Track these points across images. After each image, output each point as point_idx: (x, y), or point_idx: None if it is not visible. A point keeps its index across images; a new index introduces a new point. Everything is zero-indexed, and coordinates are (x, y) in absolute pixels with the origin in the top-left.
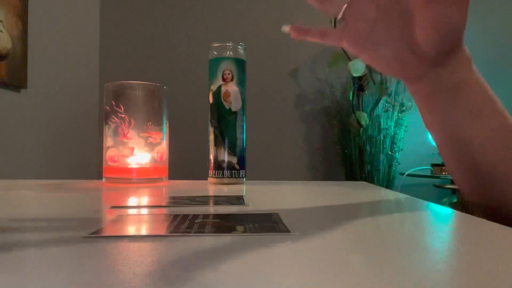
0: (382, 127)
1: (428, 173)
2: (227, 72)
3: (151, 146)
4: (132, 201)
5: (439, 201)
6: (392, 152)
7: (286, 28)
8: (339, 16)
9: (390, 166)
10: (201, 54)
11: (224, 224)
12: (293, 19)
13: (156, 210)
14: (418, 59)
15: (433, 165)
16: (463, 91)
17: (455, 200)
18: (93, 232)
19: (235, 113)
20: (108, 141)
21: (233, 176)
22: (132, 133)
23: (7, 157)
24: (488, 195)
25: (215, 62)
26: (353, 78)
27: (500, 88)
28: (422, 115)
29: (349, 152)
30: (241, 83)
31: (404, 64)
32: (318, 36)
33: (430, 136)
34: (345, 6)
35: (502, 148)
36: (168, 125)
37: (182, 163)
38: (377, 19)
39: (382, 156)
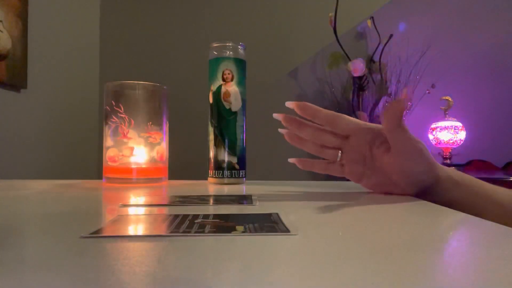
0: None
1: None
2: (227, 72)
3: (151, 146)
4: (132, 201)
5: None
6: None
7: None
8: (337, 159)
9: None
10: (201, 54)
11: (224, 224)
12: (293, 19)
13: (156, 210)
14: (402, 190)
15: None
16: (456, 206)
17: None
18: (93, 232)
19: (235, 113)
20: (108, 141)
21: (233, 176)
22: (132, 133)
23: (7, 157)
24: None
25: (215, 62)
26: (353, 78)
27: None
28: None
29: None
30: (241, 83)
31: (395, 190)
32: (322, 170)
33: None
34: (340, 153)
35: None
36: (168, 125)
37: (182, 163)
38: (366, 163)
39: None
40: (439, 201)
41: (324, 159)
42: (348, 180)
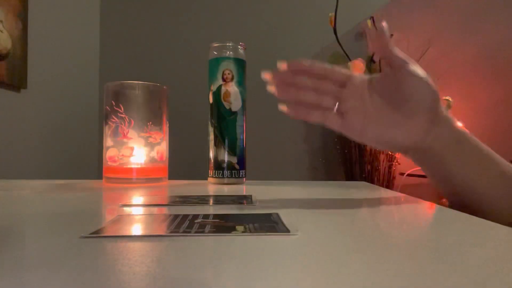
0: None
1: None
2: (227, 72)
3: (151, 146)
4: (132, 201)
5: (439, 201)
6: (392, 152)
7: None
8: (334, 110)
9: (390, 166)
10: (201, 54)
11: (224, 224)
12: (293, 19)
13: (156, 210)
14: (412, 134)
15: None
16: (461, 145)
17: None
18: (93, 232)
19: (235, 113)
20: (108, 141)
21: (233, 176)
22: (132, 133)
23: (7, 157)
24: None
25: (215, 62)
26: None
27: (500, 88)
28: (428, 175)
29: (349, 152)
30: (241, 83)
31: (398, 132)
32: (318, 117)
33: None
34: (337, 103)
35: (506, 196)
36: (168, 125)
37: (182, 163)
38: (366, 113)
39: (382, 156)
40: (444, 138)
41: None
42: (347, 180)
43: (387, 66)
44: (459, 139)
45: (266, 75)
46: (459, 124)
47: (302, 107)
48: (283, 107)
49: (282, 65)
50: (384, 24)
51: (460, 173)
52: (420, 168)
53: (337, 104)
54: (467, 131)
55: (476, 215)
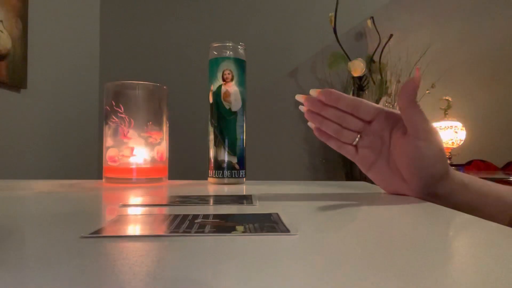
0: None
1: None
2: (227, 72)
3: (151, 146)
4: (132, 201)
5: None
6: None
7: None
8: (354, 143)
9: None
10: (201, 54)
11: (224, 224)
12: (293, 19)
13: (156, 210)
14: (409, 189)
15: None
16: (468, 189)
17: None
18: (93, 232)
19: (235, 113)
20: (108, 141)
21: (233, 176)
22: (132, 133)
23: (7, 157)
24: None
25: (215, 62)
26: (353, 78)
27: (500, 88)
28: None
29: None
30: (241, 83)
31: (402, 187)
32: (336, 146)
33: None
34: (358, 136)
35: None
36: (168, 125)
37: (182, 163)
38: (381, 151)
39: None
40: (446, 203)
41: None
42: (347, 180)
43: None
44: (464, 184)
45: (300, 98)
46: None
47: (324, 133)
48: (311, 125)
49: (316, 92)
50: (417, 78)
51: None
52: None
53: (357, 139)
54: (472, 193)
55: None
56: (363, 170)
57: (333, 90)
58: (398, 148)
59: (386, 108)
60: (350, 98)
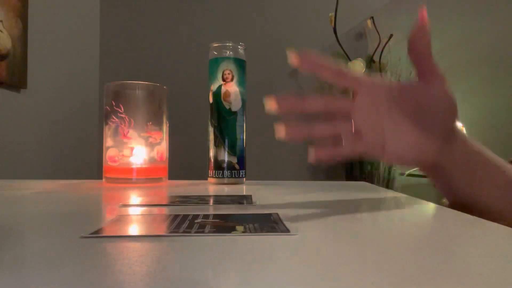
0: None
1: None
2: (227, 72)
3: (151, 146)
4: (132, 201)
5: (439, 201)
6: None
7: (280, 130)
8: (352, 130)
9: (390, 166)
10: (201, 54)
11: (224, 224)
12: (293, 19)
13: (156, 210)
14: (427, 148)
15: None
16: (471, 163)
17: None
18: (93, 232)
19: (235, 113)
20: (108, 141)
21: (233, 176)
22: (132, 133)
23: (7, 157)
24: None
25: (215, 62)
26: None
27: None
28: (436, 186)
29: None
30: (241, 83)
31: (419, 155)
32: (345, 149)
33: None
34: (353, 122)
35: None
36: (168, 125)
37: (182, 163)
38: (385, 128)
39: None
40: (454, 158)
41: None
42: (347, 180)
43: (419, 73)
44: (469, 158)
45: (272, 102)
46: (465, 133)
47: (323, 147)
48: (312, 160)
49: (294, 57)
50: (424, 15)
51: (467, 187)
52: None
53: (353, 124)
54: (476, 142)
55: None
56: (380, 158)
57: (312, 55)
58: (409, 105)
59: (365, 78)
60: (334, 66)
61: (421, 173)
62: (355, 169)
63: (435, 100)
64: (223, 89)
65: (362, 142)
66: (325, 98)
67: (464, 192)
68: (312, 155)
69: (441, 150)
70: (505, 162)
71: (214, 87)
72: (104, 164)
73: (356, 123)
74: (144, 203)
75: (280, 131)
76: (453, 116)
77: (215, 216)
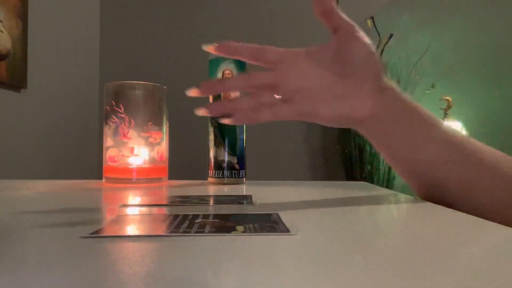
0: None
1: None
2: (227, 72)
3: (151, 146)
4: (132, 201)
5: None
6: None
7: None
8: (277, 99)
9: (390, 166)
10: (201, 54)
11: (224, 224)
12: (293, 19)
13: (156, 210)
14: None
15: None
16: (407, 113)
17: None
18: (93, 232)
19: None
20: (108, 141)
21: (233, 176)
22: (132, 133)
23: (7, 157)
24: (438, 197)
25: (215, 62)
26: None
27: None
28: (379, 150)
29: (349, 152)
30: None
31: (353, 110)
32: (268, 116)
33: None
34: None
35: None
36: (168, 125)
37: (182, 163)
38: (313, 92)
39: (382, 156)
40: (394, 106)
41: None
42: (347, 180)
43: (332, 30)
44: (404, 113)
45: (192, 93)
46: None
47: (245, 112)
48: (201, 112)
49: (210, 48)
50: None
51: (403, 144)
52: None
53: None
54: (412, 99)
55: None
56: (314, 121)
57: (228, 41)
58: (331, 64)
59: (283, 50)
60: (249, 45)
61: (360, 132)
62: (355, 169)
63: (353, 52)
64: None
65: (292, 109)
66: (245, 76)
67: (401, 149)
68: (203, 108)
69: (374, 103)
70: (442, 121)
71: None
72: (104, 164)
73: (282, 93)
74: (144, 203)
75: (200, 109)
76: (376, 64)
77: (215, 216)
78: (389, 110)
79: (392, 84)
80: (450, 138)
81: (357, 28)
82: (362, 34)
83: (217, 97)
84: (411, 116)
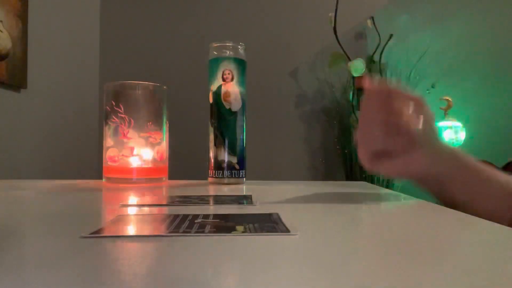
0: None
1: None
2: (227, 72)
3: (151, 146)
4: (132, 201)
5: (439, 201)
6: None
7: None
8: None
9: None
10: (201, 54)
11: (224, 224)
12: (293, 19)
13: (156, 210)
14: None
15: None
16: (463, 173)
17: None
18: (93, 232)
19: (235, 113)
20: (108, 141)
21: (233, 176)
22: (132, 133)
23: (7, 157)
24: None
25: (215, 62)
26: (353, 78)
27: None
28: (435, 199)
29: (349, 152)
30: (241, 83)
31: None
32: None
33: None
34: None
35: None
36: (168, 125)
37: (182, 163)
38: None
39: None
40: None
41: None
42: (347, 180)
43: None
44: (459, 168)
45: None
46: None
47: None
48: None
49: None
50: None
51: (462, 199)
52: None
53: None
54: (470, 157)
55: None
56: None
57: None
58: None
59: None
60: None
61: (422, 189)
62: (355, 169)
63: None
64: (223, 89)
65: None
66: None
67: (460, 204)
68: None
69: (430, 164)
70: (503, 175)
71: (214, 87)
72: (104, 164)
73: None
74: (144, 203)
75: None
76: (433, 129)
77: (215, 216)
78: (451, 172)
79: (448, 146)
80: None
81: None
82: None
83: (218, 97)
84: (469, 175)
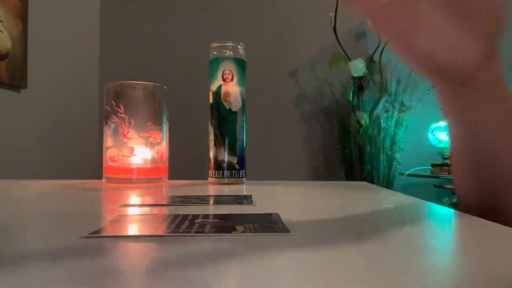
0: (382, 127)
1: (428, 173)
2: (227, 72)
3: (151, 146)
4: (132, 201)
5: (439, 201)
6: (392, 152)
7: None
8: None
9: (390, 166)
10: (201, 54)
11: (224, 224)
12: (293, 19)
13: (156, 210)
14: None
15: (433, 165)
16: (502, 102)
17: (455, 200)
18: (93, 232)
19: (235, 113)
20: (108, 141)
21: (233, 176)
22: (132, 133)
23: (7, 157)
24: (492, 196)
25: (215, 62)
26: (353, 78)
27: None
28: (452, 120)
29: (349, 152)
30: (241, 83)
31: (456, 57)
32: None
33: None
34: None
35: None
36: (168, 125)
37: (182, 163)
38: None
39: (382, 156)
40: (492, 86)
41: None
42: (347, 180)
43: None
44: (503, 96)
45: None
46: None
47: None
48: None
49: None
50: None
51: (482, 125)
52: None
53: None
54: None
55: (481, 172)
56: (399, 44)
57: None
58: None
59: None
60: None
61: (436, 91)
62: (355, 169)
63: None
64: (223, 89)
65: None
66: None
67: (479, 131)
68: None
69: (479, 62)
70: None
71: (214, 87)
72: (104, 164)
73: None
74: (144, 203)
75: None
76: (501, 24)
77: (215, 216)
78: (484, 87)
79: (499, 64)
80: None
81: None
82: None
83: (217, 97)
84: (503, 101)
